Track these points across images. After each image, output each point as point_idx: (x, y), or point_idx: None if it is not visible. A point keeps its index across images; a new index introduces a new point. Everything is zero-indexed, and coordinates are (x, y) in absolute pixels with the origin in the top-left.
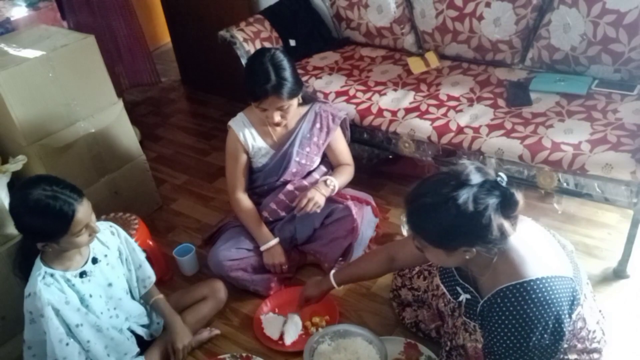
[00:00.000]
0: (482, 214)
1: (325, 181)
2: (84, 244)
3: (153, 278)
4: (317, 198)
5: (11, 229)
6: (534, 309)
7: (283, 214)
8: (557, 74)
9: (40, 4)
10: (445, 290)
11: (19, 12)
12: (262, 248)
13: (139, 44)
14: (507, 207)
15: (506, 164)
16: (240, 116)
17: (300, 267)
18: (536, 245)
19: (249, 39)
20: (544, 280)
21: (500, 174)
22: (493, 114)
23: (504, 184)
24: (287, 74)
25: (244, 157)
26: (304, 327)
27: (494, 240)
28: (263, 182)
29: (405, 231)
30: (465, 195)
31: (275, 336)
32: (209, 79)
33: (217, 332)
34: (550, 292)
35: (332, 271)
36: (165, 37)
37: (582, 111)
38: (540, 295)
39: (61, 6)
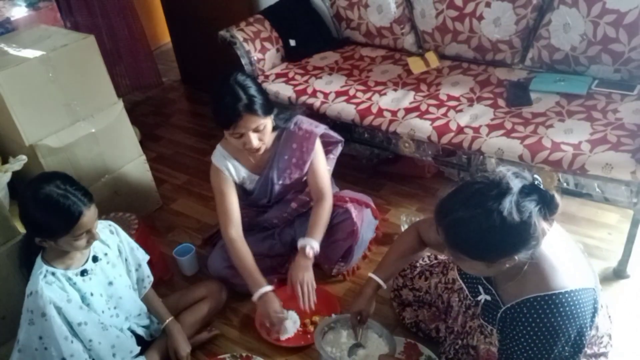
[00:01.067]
0: (528, 222)
1: (304, 251)
2: (80, 248)
3: (151, 278)
4: (307, 278)
5: (11, 229)
6: (560, 322)
7: (282, 225)
8: (557, 74)
9: (40, 4)
10: (464, 285)
11: (19, 12)
12: (255, 296)
13: (141, 45)
14: (549, 210)
15: (506, 164)
16: (219, 150)
17: None
18: (563, 254)
19: (249, 39)
20: (572, 294)
21: (536, 176)
22: (493, 114)
23: (541, 187)
24: (254, 91)
25: (231, 191)
26: (303, 325)
27: (535, 245)
28: (255, 203)
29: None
30: (508, 205)
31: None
32: (209, 79)
33: (216, 332)
34: (578, 306)
35: (371, 273)
36: (165, 37)
37: (582, 111)
38: (567, 308)
39: (61, 6)
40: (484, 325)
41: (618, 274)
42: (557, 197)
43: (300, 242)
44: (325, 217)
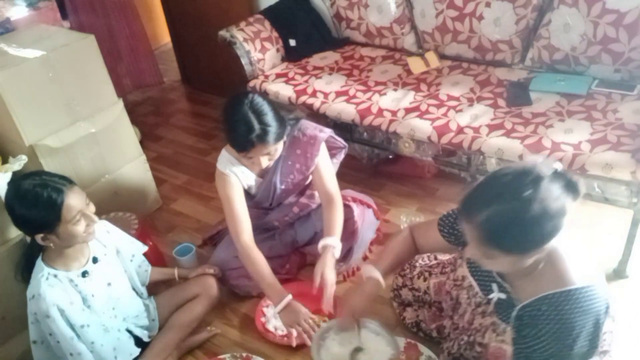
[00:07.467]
0: (563, 208)
1: (331, 252)
2: (81, 233)
3: (147, 261)
4: (334, 280)
5: (11, 229)
6: (580, 317)
7: (283, 227)
8: (557, 73)
9: (40, 4)
10: (475, 283)
11: (19, 12)
12: (278, 308)
13: (141, 45)
14: (574, 196)
15: (506, 164)
16: (225, 156)
17: (300, 267)
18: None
19: (249, 39)
20: (589, 289)
21: (558, 162)
22: (493, 113)
23: (566, 174)
24: (269, 118)
25: (239, 196)
26: None
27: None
28: (257, 206)
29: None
30: (545, 192)
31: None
32: (209, 79)
33: (216, 332)
34: (595, 300)
35: (367, 271)
36: (165, 37)
37: (582, 111)
38: (586, 303)
39: (61, 6)
40: (497, 323)
41: (618, 274)
42: (581, 182)
43: (324, 242)
44: (339, 219)
